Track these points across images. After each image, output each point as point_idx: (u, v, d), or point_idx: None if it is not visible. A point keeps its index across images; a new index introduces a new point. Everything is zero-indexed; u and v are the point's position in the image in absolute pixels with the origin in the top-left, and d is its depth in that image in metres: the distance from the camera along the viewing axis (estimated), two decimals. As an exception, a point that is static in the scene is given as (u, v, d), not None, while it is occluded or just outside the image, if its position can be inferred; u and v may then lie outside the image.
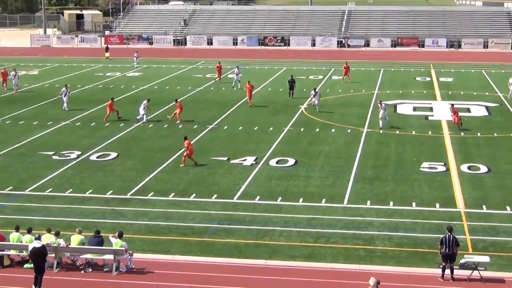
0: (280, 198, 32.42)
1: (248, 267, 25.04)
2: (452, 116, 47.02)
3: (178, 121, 47.94)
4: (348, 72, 66.93)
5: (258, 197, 32.62)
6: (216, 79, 66.59)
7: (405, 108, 54.18)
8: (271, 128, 46.63)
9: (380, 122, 46.39)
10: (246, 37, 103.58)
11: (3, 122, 49.24)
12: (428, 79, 69.73)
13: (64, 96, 52.31)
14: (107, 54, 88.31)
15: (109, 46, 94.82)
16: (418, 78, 70.07)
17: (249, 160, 38.92)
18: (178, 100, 50.17)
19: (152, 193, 33.36)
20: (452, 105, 48.97)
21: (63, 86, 54.73)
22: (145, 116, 48.23)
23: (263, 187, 34.15)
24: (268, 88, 63.74)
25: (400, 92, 61.69)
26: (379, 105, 47.12)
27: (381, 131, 45.34)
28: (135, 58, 79.49)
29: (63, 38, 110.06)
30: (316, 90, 53.55)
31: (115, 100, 50.84)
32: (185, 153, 38.05)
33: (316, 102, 51.68)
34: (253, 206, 31.54)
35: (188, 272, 24.63)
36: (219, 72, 66.96)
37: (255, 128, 46.80)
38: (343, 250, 26.59)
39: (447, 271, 23.84)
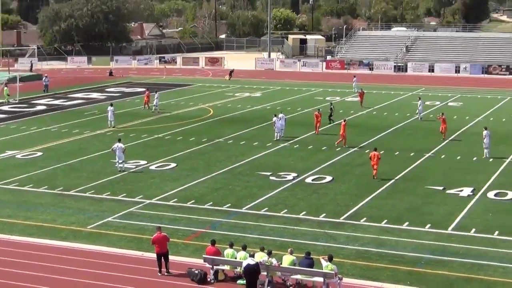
0: (497, 232, 31.13)
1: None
2: None
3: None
4: None
5: (473, 229, 31.52)
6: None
7: None
8: (491, 160, 45.02)
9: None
10: (469, 65, 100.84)
11: (225, 141, 51.32)
12: None
13: None
14: (227, 77, 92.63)
15: (233, 70, 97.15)
16: None
17: (466, 191, 37.75)
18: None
19: (364, 218, 33.30)
20: None
21: (281, 109, 55.38)
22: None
23: (480, 220, 32.99)
24: (490, 117, 61.62)
25: None
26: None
27: None
28: (354, 83, 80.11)
29: (286, 62, 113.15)
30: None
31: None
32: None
33: None
34: (468, 238, 30.52)
35: (397, 301, 24.34)
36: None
37: (474, 159, 45.36)
38: None
39: None
